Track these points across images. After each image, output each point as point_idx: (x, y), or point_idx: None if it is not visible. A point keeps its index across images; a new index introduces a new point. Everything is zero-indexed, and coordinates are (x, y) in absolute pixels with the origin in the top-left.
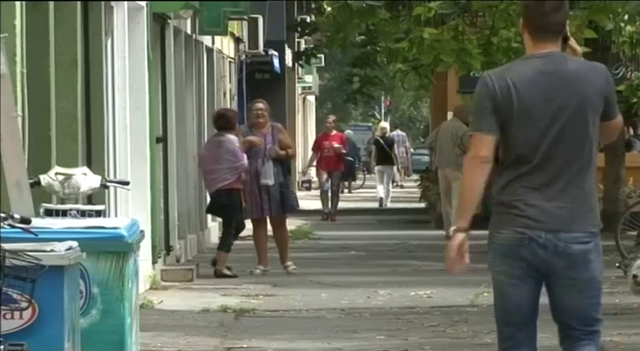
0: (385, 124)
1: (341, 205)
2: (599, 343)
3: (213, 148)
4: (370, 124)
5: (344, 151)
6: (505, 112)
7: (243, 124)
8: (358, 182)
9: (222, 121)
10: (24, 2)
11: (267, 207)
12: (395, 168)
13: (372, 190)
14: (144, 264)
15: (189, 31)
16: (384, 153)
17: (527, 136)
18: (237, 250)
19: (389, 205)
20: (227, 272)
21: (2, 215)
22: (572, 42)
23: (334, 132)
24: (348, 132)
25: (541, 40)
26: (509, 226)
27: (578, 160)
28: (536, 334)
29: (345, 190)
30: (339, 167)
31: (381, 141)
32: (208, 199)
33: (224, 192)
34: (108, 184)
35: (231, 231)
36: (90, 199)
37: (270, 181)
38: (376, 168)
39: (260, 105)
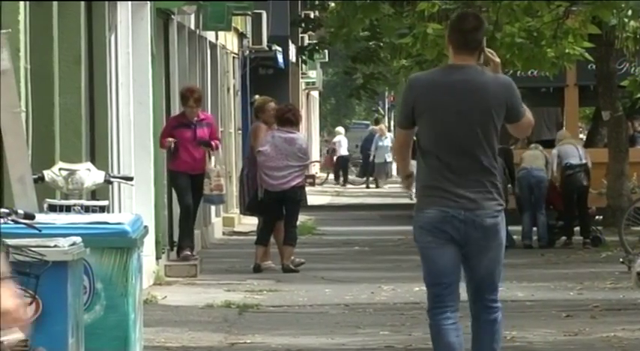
0: None
1: (344, 200)
2: (500, 316)
3: (282, 145)
4: (368, 122)
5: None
6: (421, 110)
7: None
8: (359, 178)
9: (291, 115)
10: None
11: None
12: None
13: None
14: (147, 259)
15: (192, 27)
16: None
17: (439, 132)
18: (240, 246)
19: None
20: (293, 267)
21: (6, 211)
22: (490, 53)
23: None
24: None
25: (460, 53)
26: (435, 206)
27: (483, 155)
28: (459, 294)
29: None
30: None
31: None
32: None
33: (298, 189)
34: (112, 179)
35: (296, 224)
36: (94, 194)
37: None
38: None
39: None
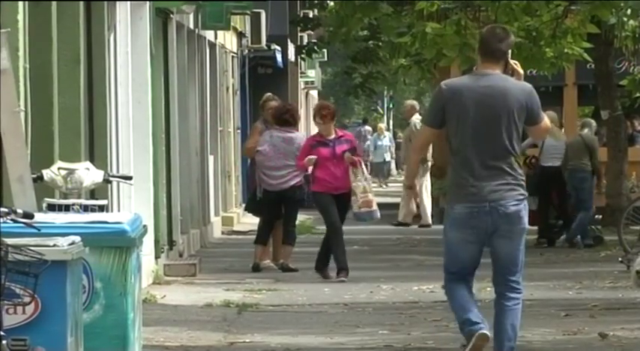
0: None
1: None
2: (521, 297)
3: (281, 145)
4: (360, 120)
5: None
6: (451, 112)
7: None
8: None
9: (289, 116)
10: None
11: None
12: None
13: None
14: (147, 259)
15: (191, 26)
16: None
17: (467, 132)
18: (239, 245)
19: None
20: (292, 266)
21: (5, 210)
22: (515, 65)
23: None
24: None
25: (487, 62)
26: (461, 202)
27: (505, 152)
28: (469, 280)
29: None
30: None
31: None
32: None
33: (297, 188)
34: (111, 178)
35: (295, 224)
36: (93, 193)
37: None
38: None
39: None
